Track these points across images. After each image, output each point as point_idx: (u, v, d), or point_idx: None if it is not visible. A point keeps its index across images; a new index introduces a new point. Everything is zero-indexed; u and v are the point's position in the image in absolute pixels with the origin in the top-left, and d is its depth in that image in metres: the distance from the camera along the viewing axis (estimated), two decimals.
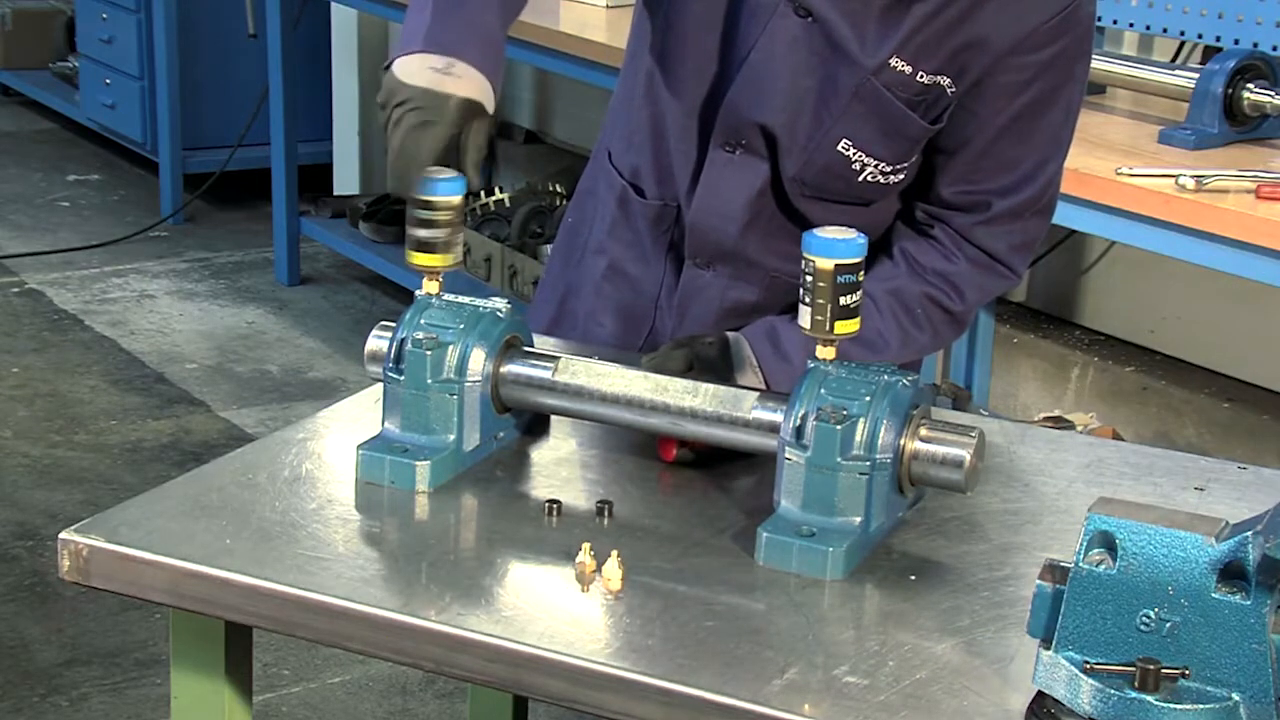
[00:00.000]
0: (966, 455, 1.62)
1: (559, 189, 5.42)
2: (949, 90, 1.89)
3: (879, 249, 2.00)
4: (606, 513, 1.69)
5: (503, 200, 5.41)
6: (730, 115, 1.94)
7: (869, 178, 1.93)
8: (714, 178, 1.98)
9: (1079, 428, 3.87)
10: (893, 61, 1.87)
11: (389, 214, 5.47)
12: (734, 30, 1.93)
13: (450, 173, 1.76)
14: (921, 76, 1.87)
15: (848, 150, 1.92)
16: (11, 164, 6.84)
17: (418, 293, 1.79)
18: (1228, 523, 1.31)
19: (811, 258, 1.63)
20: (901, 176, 1.95)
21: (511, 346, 1.79)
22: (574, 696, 1.45)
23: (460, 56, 1.78)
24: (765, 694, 1.39)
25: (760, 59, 1.91)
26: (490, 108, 1.80)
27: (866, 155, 1.92)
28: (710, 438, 1.73)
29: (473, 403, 1.75)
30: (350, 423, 1.89)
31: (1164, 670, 1.27)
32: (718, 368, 1.87)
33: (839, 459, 1.60)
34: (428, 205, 1.75)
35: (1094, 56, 2.04)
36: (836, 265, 1.62)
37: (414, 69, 1.77)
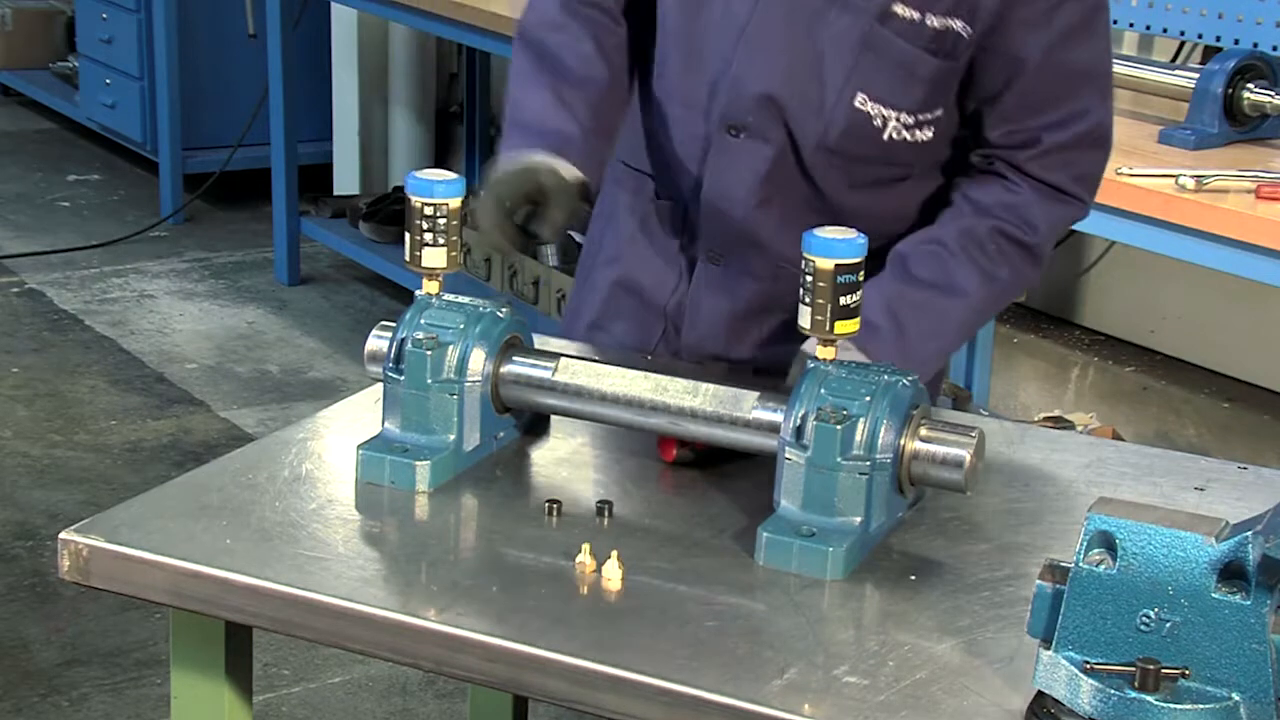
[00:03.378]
0: (966, 455, 1.62)
1: None
2: (965, 34, 1.87)
3: (913, 226, 1.98)
4: (606, 513, 1.69)
5: None
6: (735, 91, 1.93)
7: (894, 134, 1.91)
8: (721, 163, 1.98)
9: (1079, 428, 3.87)
10: (897, 8, 1.86)
11: (389, 214, 5.47)
12: (727, 10, 1.93)
13: (449, 175, 1.77)
14: (931, 20, 1.86)
15: (864, 105, 1.90)
16: (11, 164, 6.83)
17: (418, 293, 1.79)
18: (1228, 523, 1.31)
19: (811, 258, 1.63)
20: (929, 136, 1.93)
21: (511, 346, 1.79)
22: (574, 696, 1.45)
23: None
24: (765, 694, 1.39)
25: (757, 30, 1.90)
26: (591, 198, 1.93)
27: (885, 107, 1.90)
28: (710, 438, 1.73)
29: (473, 403, 1.75)
30: (350, 423, 1.89)
31: (1164, 670, 1.27)
32: None
33: (839, 459, 1.60)
34: (427, 207, 1.76)
35: None
36: (836, 265, 1.62)
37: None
